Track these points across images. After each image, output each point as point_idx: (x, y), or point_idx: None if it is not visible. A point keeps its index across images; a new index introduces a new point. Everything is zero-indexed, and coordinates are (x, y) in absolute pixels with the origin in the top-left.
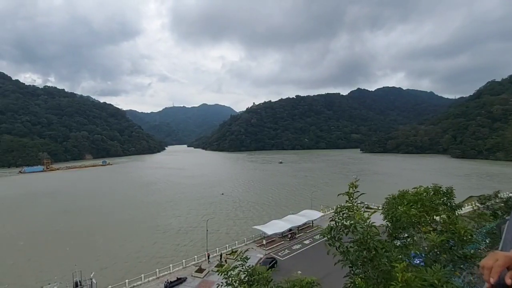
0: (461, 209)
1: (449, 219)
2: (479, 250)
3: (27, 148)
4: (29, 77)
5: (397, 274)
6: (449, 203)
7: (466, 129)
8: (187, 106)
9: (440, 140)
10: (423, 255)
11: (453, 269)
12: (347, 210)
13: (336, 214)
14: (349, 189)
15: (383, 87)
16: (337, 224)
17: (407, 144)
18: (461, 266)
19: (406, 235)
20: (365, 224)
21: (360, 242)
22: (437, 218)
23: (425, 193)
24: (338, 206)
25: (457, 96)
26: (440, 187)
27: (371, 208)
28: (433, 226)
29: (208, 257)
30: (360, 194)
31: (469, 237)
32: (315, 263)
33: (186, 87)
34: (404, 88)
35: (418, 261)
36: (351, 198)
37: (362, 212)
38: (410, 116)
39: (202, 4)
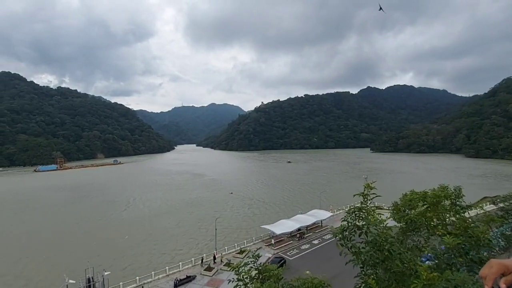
0: (470, 210)
1: (461, 221)
2: (493, 253)
3: (41, 148)
4: (45, 78)
5: (421, 273)
6: (457, 204)
7: (480, 128)
8: (196, 106)
9: (453, 140)
10: (433, 257)
11: (470, 273)
12: (359, 211)
13: (348, 215)
14: (364, 190)
15: (394, 85)
16: (349, 224)
17: (419, 144)
18: (477, 271)
19: (419, 237)
20: (381, 226)
21: (374, 243)
22: (451, 219)
23: (439, 195)
24: (351, 206)
25: (471, 94)
26: (447, 187)
27: (381, 208)
28: (445, 229)
29: (214, 259)
30: (375, 196)
31: (487, 241)
32: (324, 263)
33: (196, 86)
34: (416, 87)
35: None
36: (366, 200)
37: (375, 213)
38: (422, 115)
39: (216, 9)
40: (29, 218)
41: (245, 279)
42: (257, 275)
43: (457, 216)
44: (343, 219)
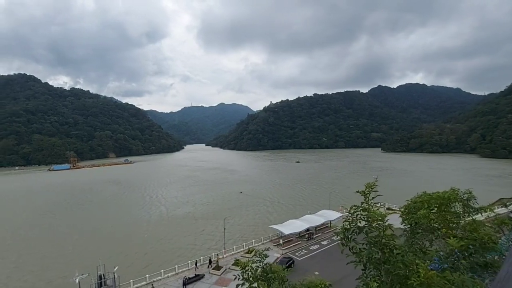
0: (483, 212)
1: (470, 223)
2: (503, 257)
3: (56, 147)
4: (61, 79)
5: (420, 271)
6: (469, 206)
7: (496, 127)
8: (205, 106)
9: (468, 139)
10: (437, 259)
11: (474, 276)
12: (361, 210)
13: (350, 215)
14: (365, 189)
15: (406, 83)
16: (351, 225)
17: (432, 143)
18: (482, 274)
19: (424, 239)
20: (381, 223)
21: (374, 241)
22: (460, 222)
23: (448, 197)
24: (353, 206)
25: (487, 93)
26: (457, 190)
27: (392, 210)
28: (454, 231)
29: (210, 262)
30: (377, 195)
31: (492, 244)
32: (333, 264)
33: (206, 86)
34: (428, 85)
35: (431, 267)
36: (367, 199)
37: (376, 212)
38: (435, 114)
39: (229, 13)
40: (75, 215)
41: (250, 278)
42: (262, 274)
43: (465, 219)
44: (345, 219)
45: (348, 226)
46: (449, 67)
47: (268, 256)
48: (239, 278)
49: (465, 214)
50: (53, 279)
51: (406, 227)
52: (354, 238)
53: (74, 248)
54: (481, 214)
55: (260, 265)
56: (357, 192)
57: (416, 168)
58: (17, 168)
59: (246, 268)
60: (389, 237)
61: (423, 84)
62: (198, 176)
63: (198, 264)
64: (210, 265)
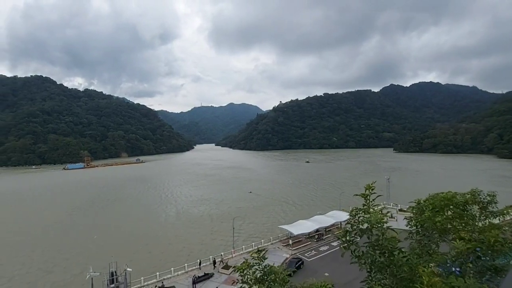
0: (502, 216)
1: (486, 227)
2: None
3: (70, 146)
4: (76, 81)
5: (423, 278)
6: (486, 209)
7: None
8: (215, 106)
9: (484, 139)
10: (440, 263)
11: (480, 281)
12: (363, 213)
13: (352, 217)
14: (365, 191)
15: (419, 82)
16: (353, 227)
17: (446, 144)
18: (490, 279)
19: (431, 242)
20: (380, 226)
21: (375, 244)
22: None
23: (456, 198)
24: (354, 208)
25: (505, 91)
26: (480, 192)
27: (404, 211)
28: (462, 234)
29: (214, 263)
30: (377, 196)
31: (500, 246)
32: (343, 266)
33: (216, 87)
34: (442, 83)
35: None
36: (368, 201)
37: (379, 214)
38: (449, 113)
39: (239, 15)
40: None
41: (250, 282)
42: (262, 277)
43: (481, 222)
44: (347, 221)
45: (350, 229)
46: (464, 66)
47: (267, 258)
48: (237, 282)
49: (482, 217)
50: (77, 272)
51: (412, 229)
52: (356, 241)
53: (95, 245)
54: (499, 218)
55: (259, 268)
56: (356, 195)
57: (429, 169)
58: (34, 167)
59: (245, 272)
60: (390, 240)
61: (437, 82)
62: (214, 174)
63: (201, 264)
64: (214, 267)
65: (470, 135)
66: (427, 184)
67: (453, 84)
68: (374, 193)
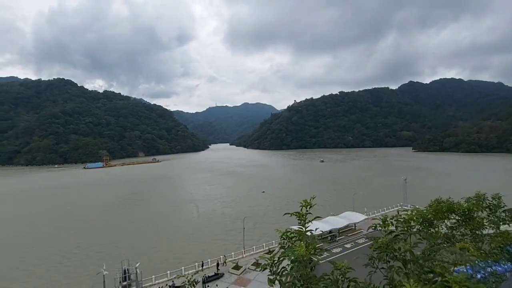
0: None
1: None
2: None
3: (90, 146)
4: (97, 83)
5: (454, 285)
6: (495, 215)
7: None
8: (229, 106)
9: (510, 138)
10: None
11: None
12: (297, 235)
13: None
14: (301, 209)
15: (440, 79)
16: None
17: (469, 143)
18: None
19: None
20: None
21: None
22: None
23: (458, 205)
24: (287, 230)
25: None
26: (484, 195)
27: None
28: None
29: (218, 266)
30: (315, 218)
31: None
32: (357, 269)
33: (230, 87)
34: (465, 80)
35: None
36: (303, 221)
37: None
38: (472, 111)
39: (254, 16)
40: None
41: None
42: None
43: (491, 230)
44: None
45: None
46: (487, 62)
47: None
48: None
49: (491, 224)
50: (94, 267)
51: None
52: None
53: (113, 243)
54: (508, 223)
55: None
56: (287, 214)
57: (450, 169)
58: (56, 166)
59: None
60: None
61: (459, 79)
62: (233, 172)
63: (207, 265)
64: (218, 269)
65: (495, 134)
66: (447, 185)
67: (477, 80)
68: (310, 213)
